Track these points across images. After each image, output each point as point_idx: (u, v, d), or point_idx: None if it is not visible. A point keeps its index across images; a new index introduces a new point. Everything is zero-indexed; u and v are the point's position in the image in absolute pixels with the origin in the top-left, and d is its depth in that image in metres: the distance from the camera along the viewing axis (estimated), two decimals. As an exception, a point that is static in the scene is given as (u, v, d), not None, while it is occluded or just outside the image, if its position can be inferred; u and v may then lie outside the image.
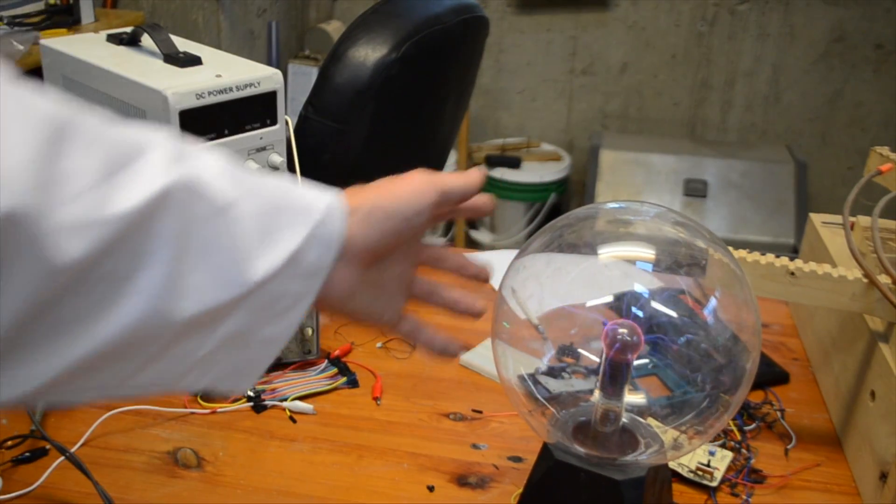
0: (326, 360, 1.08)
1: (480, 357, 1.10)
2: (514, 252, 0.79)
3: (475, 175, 0.64)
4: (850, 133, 3.35)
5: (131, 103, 0.98)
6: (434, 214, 0.63)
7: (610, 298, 0.73)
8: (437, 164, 1.86)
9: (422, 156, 1.75)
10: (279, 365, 1.06)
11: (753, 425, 0.99)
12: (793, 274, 0.92)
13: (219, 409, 0.99)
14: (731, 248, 0.80)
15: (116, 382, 0.52)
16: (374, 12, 1.47)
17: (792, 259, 0.94)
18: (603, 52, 3.39)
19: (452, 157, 3.31)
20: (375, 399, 1.02)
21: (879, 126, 3.31)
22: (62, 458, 0.88)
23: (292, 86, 3.16)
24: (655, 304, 0.72)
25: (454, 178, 0.64)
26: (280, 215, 0.55)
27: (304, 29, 3.43)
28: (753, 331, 0.73)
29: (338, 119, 1.43)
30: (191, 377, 0.55)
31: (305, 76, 3.15)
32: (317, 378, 1.05)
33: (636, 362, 0.71)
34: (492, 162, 3.34)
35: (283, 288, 0.55)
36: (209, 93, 0.95)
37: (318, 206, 0.57)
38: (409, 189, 0.61)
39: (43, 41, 1.14)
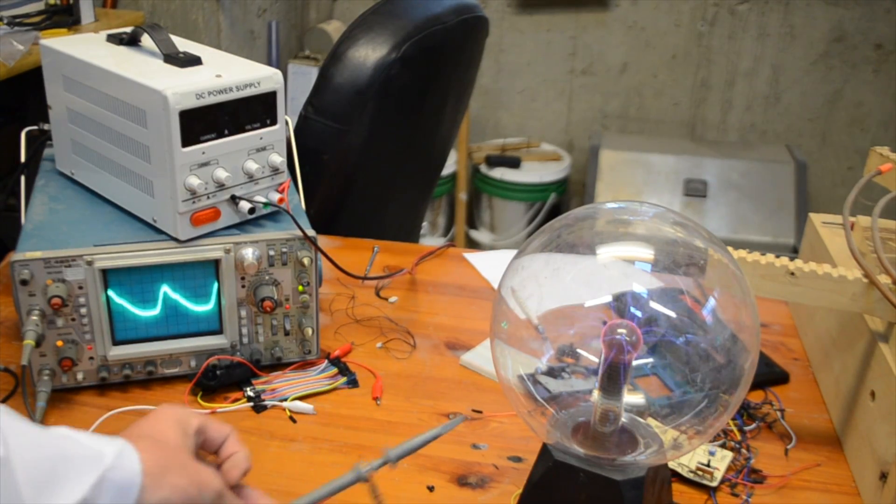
0: (326, 360, 1.08)
1: (480, 357, 1.10)
2: (514, 252, 0.79)
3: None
4: (850, 133, 3.35)
5: (131, 103, 0.98)
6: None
7: (609, 298, 0.73)
8: (437, 164, 1.86)
9: (422, 156, 1.75)
10: (279, 365, 1.06)
11: (753, 425, 0.99)
12: (793, 274, 0.92)
13: (219, 410, 0.99)
14: (730, 249, 0.80)
15: None
16: (374, 12, 1.47)
17: (792, 259, 0.94)
18: (603, 52, 3.39)
19: (452, 157, 3.31)
20: (375, 399, 1.02)
21: (879, 126, 3.31)
22: (62, 458, 0.87)
23: (292, 86, 3.16)
24: (654, 305, 0.72)
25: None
26: (63, 465, 0.57)
27: (304, 29, 3.43)
28: (752, 330, 0.73)
29: (338, 119, 1.43)
30: None
31: (305, 76, 3.15)
32: (317, 378, 1.05)
33: (635, 362, 0.71)
34: (492, 162, 3.33)
35: None
36: (209, 93, 0.95)
37: (108, 452, 0.60)
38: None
39: (43, 41, 1.14)
